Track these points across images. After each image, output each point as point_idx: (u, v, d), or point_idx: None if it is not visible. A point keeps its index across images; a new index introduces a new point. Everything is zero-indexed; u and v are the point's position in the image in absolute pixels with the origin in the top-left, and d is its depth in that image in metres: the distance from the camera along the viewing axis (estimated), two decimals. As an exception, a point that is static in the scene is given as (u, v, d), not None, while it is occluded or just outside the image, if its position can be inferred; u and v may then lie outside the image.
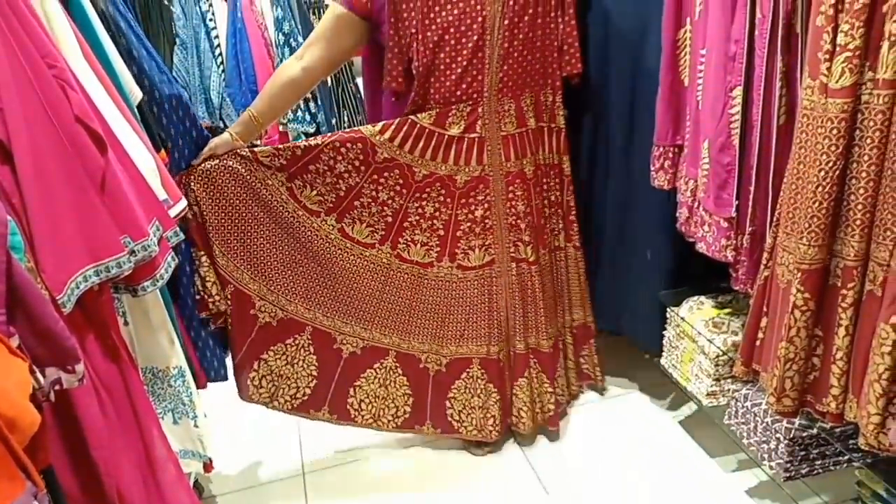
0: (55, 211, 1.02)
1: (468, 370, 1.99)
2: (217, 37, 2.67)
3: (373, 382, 1.97)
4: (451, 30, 1.71)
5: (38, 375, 0.87)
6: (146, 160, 1.28)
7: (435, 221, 1.86)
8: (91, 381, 1.07)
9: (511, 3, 1.72)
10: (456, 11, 1.70)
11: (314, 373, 1.93)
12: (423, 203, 1.84)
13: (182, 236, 1.34)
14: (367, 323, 1.92)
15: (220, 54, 2.68)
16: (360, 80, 3.32)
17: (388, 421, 2.01)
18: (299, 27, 2.74)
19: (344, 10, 1.75)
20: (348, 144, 1.75)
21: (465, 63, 1.74)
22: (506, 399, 2.04)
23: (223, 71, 2.67)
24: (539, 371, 2.04)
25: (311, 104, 2.80)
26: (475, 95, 1.77)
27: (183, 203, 1.40)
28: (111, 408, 1.11)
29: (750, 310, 1.49)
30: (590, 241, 2.17)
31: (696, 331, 1.84)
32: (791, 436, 1.56)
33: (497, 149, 1.84)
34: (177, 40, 2.63)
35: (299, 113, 2.76)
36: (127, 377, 1.17)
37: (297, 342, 1.90)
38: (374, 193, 1.81)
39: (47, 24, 1.16)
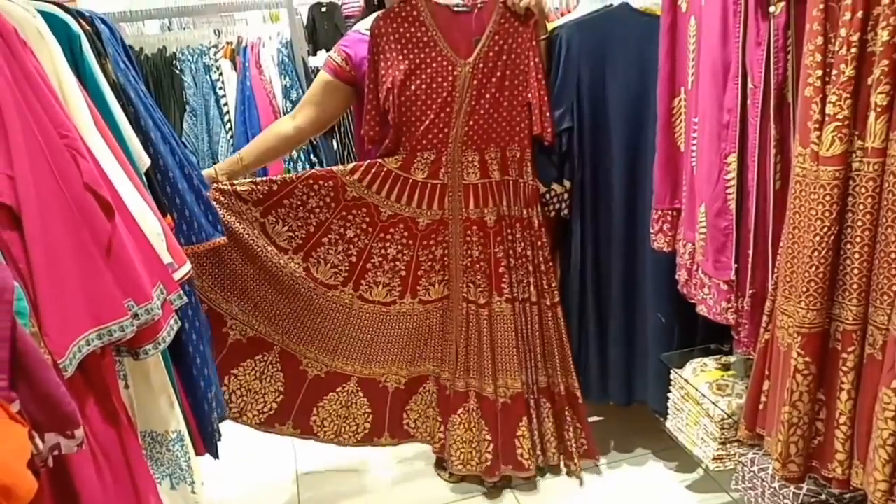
0: (60, 276, 1.03)
1: (425, 385, 2.12)
2: (226, 104, 2.75)
3: (335, 403, 2.09)
4: (423, 86, 1.87)
5: (38, 441, 0.87)
6: (153, 225, 1.30)
7: (397, 263, 1.99)
8: (89, 446, 1.07)
9: (481, 65, 1.88)
10: (429, 70, 1.87)
11: (281, 388, 2.05)
12: (387, 244, 1.97)
13: (185, 299, 1.35)
14: (330, 353, 2.05)
15: (229, 121, 2.75)
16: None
17: (349, 437, 2.12)
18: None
19: (331, 78, 1.96)
20: (321, 181, 1.89)
21: (432, 116, 1.89)
22: (446, 427, 2.12)
23: (231, 136, 2.74)
24: (480, 417, 2.07)
25: (318, 167, 2.86)
26: (440, 146, 1.92)
27: (187, 267, 1.42)
28: (108, 473, 1.10)
29: (752, 373, 1.48)
30: (601, 312, 2.15)
31: (701, 393, 1.83)
32: (799, 502, 1.53)
33: (458, 195, 1.97)
34: (187, 107, 2.71)
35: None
36: (125, 442, 1.16)
37: (265, 359, 2.02)
38: (341, 230, 1.94)
39: (61, 94, 1.20)
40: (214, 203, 1.81)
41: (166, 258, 1.30)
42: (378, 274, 1.98)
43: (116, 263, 1.12)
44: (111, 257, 1.11)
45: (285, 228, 1.90)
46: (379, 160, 1.91)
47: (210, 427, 1.70)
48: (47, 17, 1.28)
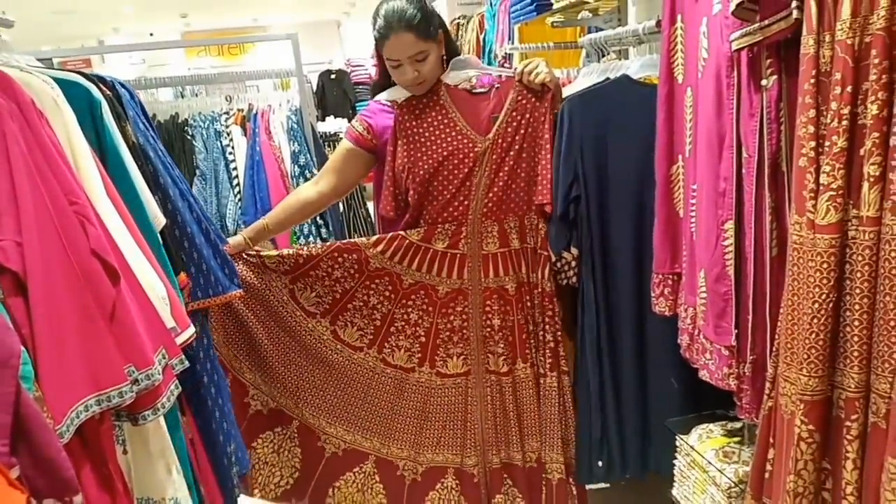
0: (62, 341, 1.04)
1: (443, 480, 2.06)
2: (235, 168, 2.82)
3: (351, 486, 2.05)
4: (445, 162, 1.92)
5: (34, 508, 0.87)
6: (158, 289, 1.32)
7: (418, 328, 2.00)
8: (85, 514, 1.06)
9: (500, 140, 1.93)
10: (450, 148, 1.92)
11: (297, 465, 2.04)
12: (409, 310, 1.99)
13: (187, 363, 1.36)
14: (350, 426, 2.04)
15: (238, 184, 2.81)
16: (370, 205, 3.45)
17: None
18: (314, 160, 2.89)
19: (352, 146, 2.03)
20: (345, 255, 1.95)
21: (454, 190, 1.93)
22: None
23: (240, 200, 2.79)
24: (511, 486, 2.07)
25: (323, 230, 2.90)
26: (461, 218, 1.95)
27: (191, 331, 1.43)
28: (102, 542, 1.08)
29: (756, 441, 1.46)
30: (617, 382, 2.10)
31: (707, 460, 1.80)
32: (809, 576, 1.49)
33: (477, 266, 1.99)
34: (197, 171, 2.77)
35: (311, 238, 2.85)
36: (121, 509, 1.15)
37: (284, 432, 2.03)
38: (365, 298, 1.98)
39: (73, 162, 1.23)
40: (242, 271, 1.88)
41: (169, 322, 1.32)
42: (400, 338, 2.00)
43: (119, 328, 1.13)
44: (114, 322, 1.13)
45: (313, 294, 1.96)
46: (401, 233, 1.96)
47: (230, 482, 1.69)
48: (70, 84, 1.34)
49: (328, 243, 2.00)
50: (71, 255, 1.08)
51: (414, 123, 1.93)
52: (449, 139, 1.92)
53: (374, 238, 1.96)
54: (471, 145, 1.92)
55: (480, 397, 2.04)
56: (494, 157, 1.92)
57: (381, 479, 2.06)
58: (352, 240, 2.00)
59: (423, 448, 2.06)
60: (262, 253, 1.93)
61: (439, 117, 1.93)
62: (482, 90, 1.98)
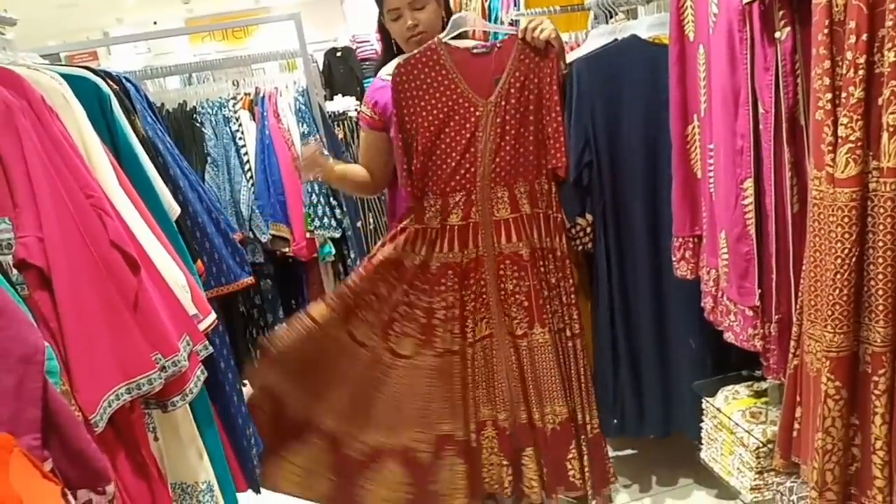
0: (90, 333, 1.06)
1: (483, 431, 2.07)
2: (246, 153, 2.81)
3: (380, 485, 2.05)
4: (446, 129, 1.89)
5: (70, 498, 0.88)
6: (177, 277, 1.33)
7: (454, 309, 1.99)
8: (121, 500, 1.08)
9: (503, 103, 1.89)
10: (451, 113, 1.89)
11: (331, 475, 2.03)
12: (444, 295, 1.98)
13: (211, 349, 1.37)
14: (385, 429, 2.03)
15: (250, 169, 2.80)
16: (384, 184, 3.43)
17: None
18: (324, 140, 2.87)
19: (368, 130, 2.05)
20: (383, 270, 1.95)
21: (458, 157, 1.91)
22: (516, 466, 2.08)
23: (252, 185, 2.79)
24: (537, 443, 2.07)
25: (337, 211, 2.89)
26: (468, 186, 1.93)
27: (212, 317, 1.44)
28: (140, 527, 1.11)
29: (783, 400, 1.46)
30: (632, 344, 2.12)
31: (734, 422, 1.80)
32: (841, 531, 1.49)
33: (489, 232, 1.97)
34: (208, 159, 2.77)
35: (325, 220, 2.84)
36: (156, 494, 1.18)
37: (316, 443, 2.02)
38: (407, 300, 1.97)
39: (86, 156, 1.24)
40: None
41: (191, 309, 1.33)
42: (446, 327, 1.99)
43: (143, 317, 1.14)
44: (138, 312, 1.14)
45: (366, 325, 1.97)
46: (421, 227, 1.94)
47: (251, 463, 1.72)
48: (79, 80, 1.35)
49: (365, 265, 2.00)
50: (91, 247, 1.09)
51: (414, 85, 1.88)
52: (450, 102, 1.88)
53: (400, 240, 1.95)
54: (472, 109, 1.88)
55: (505, 358, 2.03)
56: (499, 120, 1.89)
57: (403, 469, 2.04)
58: (383, 251, 1.98)
59: (467, 414, 2.06)
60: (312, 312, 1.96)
61: (439, 78, 1.88)
62: (483, 50, 1.92)
